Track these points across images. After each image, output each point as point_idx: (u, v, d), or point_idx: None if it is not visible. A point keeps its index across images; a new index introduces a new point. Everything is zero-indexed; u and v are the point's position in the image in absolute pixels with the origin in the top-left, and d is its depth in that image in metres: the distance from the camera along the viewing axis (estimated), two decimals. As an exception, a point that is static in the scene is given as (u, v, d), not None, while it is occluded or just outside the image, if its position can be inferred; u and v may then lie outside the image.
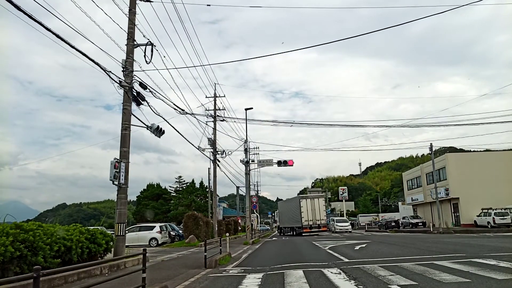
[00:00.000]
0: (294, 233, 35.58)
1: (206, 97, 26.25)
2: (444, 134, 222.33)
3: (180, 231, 27.42)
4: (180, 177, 60.05)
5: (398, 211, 60.37)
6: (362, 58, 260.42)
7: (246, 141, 27.96)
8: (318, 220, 33.42)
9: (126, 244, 12.66)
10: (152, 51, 12.38)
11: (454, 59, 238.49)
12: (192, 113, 19.26)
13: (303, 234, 32.68)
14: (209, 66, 76.74)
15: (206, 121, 24.73)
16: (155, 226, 24.68)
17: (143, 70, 12.80)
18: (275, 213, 71.73)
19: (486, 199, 33.04)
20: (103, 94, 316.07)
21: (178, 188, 58.03)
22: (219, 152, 25.83)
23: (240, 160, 28.53)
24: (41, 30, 8.06)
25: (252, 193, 42.38)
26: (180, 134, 17.29)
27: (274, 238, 33.49)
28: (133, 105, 12.47)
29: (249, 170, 29.27)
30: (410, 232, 33.43)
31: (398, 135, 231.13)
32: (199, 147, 22.93)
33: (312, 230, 33.14)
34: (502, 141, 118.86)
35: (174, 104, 15.72)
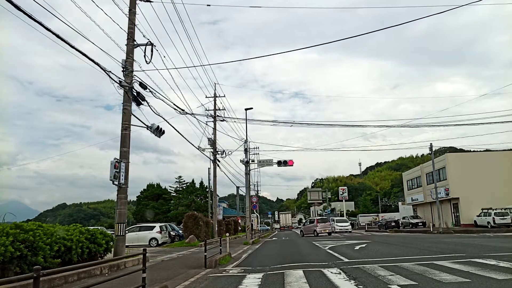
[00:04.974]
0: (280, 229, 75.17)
1: (206, 97, 26.26)
2: (444, 134, 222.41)
3: (180, 231, 27.40)
4: (180, 177, 60.00)
5: (398, 211, 60.34)
6: (362, 58, 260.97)
7: (246, 141, 27.96)
8: (287, 224, 76.54)
9: (126, 244, 12.65)
10: (152, 51, 12.38)
11: (454, 59, 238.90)
12: (192, 113, 19.27)
13: (280, 230, 70.18)
14: (209, 66, 76.75)
15: (206, 121, 24.74)
16: (155, 226, 24.66)
17: (143, 70, 12.81)
18: (275, 214, 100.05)
19: (486, 199, 33.04)
20: (103, 94, 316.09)
21: (178, 188, 57.97)
22: (219, 152, 25.82)
23: (240, 160, 28.55)
24: (41, 31, 8.07)
25: (252, 193, 42.43)
26: (180, 134, 17.28)
27: (274, 238, 33.51)
28: (133, 105, 12.48)
29: (249, 170, 29.27)
30: (410, 232, 33.41)
31: (397, 135, 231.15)
32: (199, 147, 22.93)
33: (285, 229, 71.52)
34: (502, 141, 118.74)
35: (174, 104, 15.73)
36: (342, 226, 40.70)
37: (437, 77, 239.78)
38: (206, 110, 25.51)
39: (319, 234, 31.63)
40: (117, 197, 11.94)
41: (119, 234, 11.70)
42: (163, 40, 78.37)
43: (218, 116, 26.09)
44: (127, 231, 14.09)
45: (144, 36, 12.54)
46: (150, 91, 12.73)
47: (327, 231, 32.43)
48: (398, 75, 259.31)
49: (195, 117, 20.05)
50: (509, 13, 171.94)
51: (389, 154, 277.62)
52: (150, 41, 12.42)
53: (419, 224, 39.81)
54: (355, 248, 15.85)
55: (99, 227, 14.18)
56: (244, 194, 33.25)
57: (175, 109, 16.11)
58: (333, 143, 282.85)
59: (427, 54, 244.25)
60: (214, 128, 25.61)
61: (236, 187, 48.78)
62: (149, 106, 12.78)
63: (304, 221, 49.06)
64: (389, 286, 6.61)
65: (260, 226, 56.75)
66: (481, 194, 34.36)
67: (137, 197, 58.86)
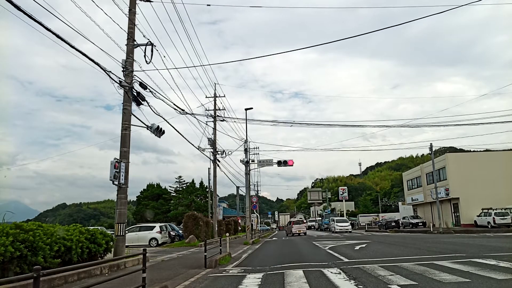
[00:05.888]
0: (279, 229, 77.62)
1: (206, 97, 26.28)
2: (444, 134, 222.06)
3: (180, 231, 27.42)
4: (180, 177, 59.98)
5: (398, 211, 60.33)
6: (362, 58, 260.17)
7: (246, 141, 27.96)
8: (285, 224, 69.79)
9: (126, 244, 12.66)
10: (152, 51, 12.38)
11: (453, 59, 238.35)
12: (192, 113, 19.27)
13: (279, 229, 73.50)
14: (209, 66, 76.81)
15: (206, 121, 24.74)
16: (155, 226, 24.67)
17: (143, 70, 12.81)
18: (275, 214, 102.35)
19: (486, 199, 33.02)
20: (103, 94, 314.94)
21: (178, 188, 57.96)
22: (219, 152, 25.83)
23: (240, 160, 28.53)
24: (41, 31, 8.07)
25: (252, 193, 42.41)
26: (180, 134, 17.28)
27: (274, 238, 33.54)
28: (133, 105, 12.48)
29: (249, 170, 29.25)
30: (410, 232, 33.42)
31: (397, 135, 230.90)
32: (199, 147, 22.93)
33: (284, 228, 64.86)
34: (502, 141, 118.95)
35: (174, 104, 15.72)
36: (342, 226, 40.74)
37: (437, 77, 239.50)
38: (206, 110, 25.54)
39: (294, 234, 36.66)
40: (117, 197, 11.95)
41: (119, 234, 11.70)
42: (163, 40, 78.45)
43: (218, 116, 26.11)
44: (127, 231, 14.10)
45: (144, 36, 12.56)
46: (150, 91, 12.74)
47: (302, 231, 37.51)
48: (398, 75, 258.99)
49: (195, 117, 20.08)
50: (509, 13, 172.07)
51: (389, 154, 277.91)
52: (150, 41, 12.43)
53: (419, 224, 39.81)
54: (355, 248, 15.85)
55: (99, 227, 14.16)
56: (244, 194, 33.26)
57: (175, 109, 16.12)
58: (333, 143, 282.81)
59: (427, 54, 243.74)
60: (214, 128, 25.63)
61: (236, 187, 48.84)
62: (149, 106, 12.79)
63: (286, 222, 64.17)
64: (389, 286, 6.61)
65: (260, 226, 56.76)
66: (481, 194, 34.35)
67: (137, 197, 58.86)
